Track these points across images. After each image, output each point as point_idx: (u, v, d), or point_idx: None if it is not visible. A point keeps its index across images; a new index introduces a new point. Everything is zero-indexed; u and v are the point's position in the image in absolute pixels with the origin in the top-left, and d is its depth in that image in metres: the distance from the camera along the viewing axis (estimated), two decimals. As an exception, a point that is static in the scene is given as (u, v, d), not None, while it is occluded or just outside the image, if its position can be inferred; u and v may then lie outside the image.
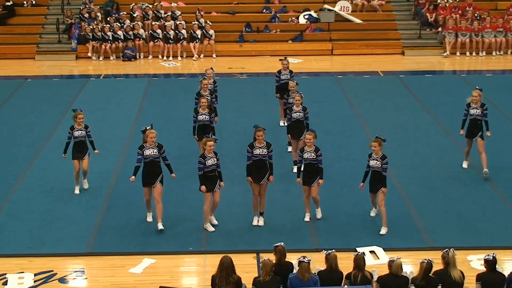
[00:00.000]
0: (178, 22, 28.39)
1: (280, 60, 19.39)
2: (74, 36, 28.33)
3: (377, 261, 12.48)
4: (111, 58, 27.83)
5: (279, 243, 10.95)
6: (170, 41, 27.98)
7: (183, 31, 28.11)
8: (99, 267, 12.47)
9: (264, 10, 30.34)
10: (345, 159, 17.01)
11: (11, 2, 29.67)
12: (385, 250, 12.81)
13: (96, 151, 15.30)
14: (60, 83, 24.99)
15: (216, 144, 13.36)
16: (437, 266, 10.48)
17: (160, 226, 13.48)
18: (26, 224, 13.95)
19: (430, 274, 10.22)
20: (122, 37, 27.89)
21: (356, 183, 14.26)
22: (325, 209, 13.92)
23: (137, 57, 27.96)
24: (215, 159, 13.21)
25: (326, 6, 29.92)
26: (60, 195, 15.25)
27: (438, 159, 17.19)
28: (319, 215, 13.94)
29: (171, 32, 28.03)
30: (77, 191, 15.19)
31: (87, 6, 29.22)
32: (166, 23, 28.19)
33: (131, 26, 28.10)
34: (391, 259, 10.35)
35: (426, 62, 27.40)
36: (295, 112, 16.10)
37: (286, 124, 17.06)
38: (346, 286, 10.22)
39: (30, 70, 26.69)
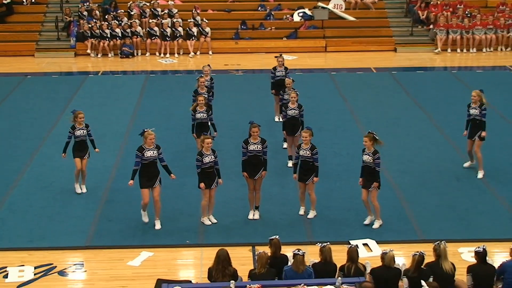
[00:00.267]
0: (175, 20, 28.36)
1: (276, 57, 19.40)
2: (73, 34, 28.27)
3: (370, 253, 12.50)
4: (109, 55, 27.79)
5: (274, 236, 10.97)
6: (167, 38, 27.95)
7: (180, 29, 28.08)
8: (98, 260, 12.47)
9: (259, 8, 30.31)
10: (338, 154, 17.02)
11: (9, 0, 29.56)
12: (378, 242, 12.82)
13: (96, 149, 15.14)
14: (59, 79, 24.95)
15: (213, 141, 13.35)
16: (429, 258, 10.51)
17: (158, 225, 13.44)
18: (26, 219, 13.94)
19: (422, 266, 10.25)
20: (120, 34, 27.85)
21: (349, 177, 14.30)
22: (319, 203, 13.91)
23: (135, 54, 27.92)
24: (212, 156, 13.19)
25: (320, 4, 29.89)
26: (59, 190, 15.22)
27: (429, 153, 17.21)
28: (311, 215, 13.84)
29: (168, 30, 28.00)
30: (78, 190, 15.00)
31: (85, 4, 29.17)
32: (163, 21, 28.17)
33: (129, 23, 28.05)
34: (384, 251, 10.36)
35: (418, 59, 27.41)
36: (290, 110, 16.09)
37: (281, 120, 17.06)
38: (339, 278, 10.23)
39: (30, 67, 26.63)
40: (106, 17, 28.53)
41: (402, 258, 11.84)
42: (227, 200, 14.45)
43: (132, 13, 28.66)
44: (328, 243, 10.79)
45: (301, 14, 29.75)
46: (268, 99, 20.02)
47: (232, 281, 9.96)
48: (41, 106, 21.31)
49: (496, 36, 28.41)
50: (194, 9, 29.06)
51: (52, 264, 12.26)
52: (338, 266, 10.63)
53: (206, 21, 28.31)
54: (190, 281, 11.42)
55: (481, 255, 10.39)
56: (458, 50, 28.22)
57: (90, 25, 27.85)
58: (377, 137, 13.17)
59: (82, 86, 23.57)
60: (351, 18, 29.69)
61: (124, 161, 16.18)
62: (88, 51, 27.82)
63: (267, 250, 10.79)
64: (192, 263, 12.55)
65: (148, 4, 29.34)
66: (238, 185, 14.66)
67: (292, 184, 14.80)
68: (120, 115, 20.34)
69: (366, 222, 13.47)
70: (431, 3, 29.80)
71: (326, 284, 10.10)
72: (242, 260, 12.08)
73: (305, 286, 9.87)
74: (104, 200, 14.73)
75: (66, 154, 15.06)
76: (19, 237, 13.23)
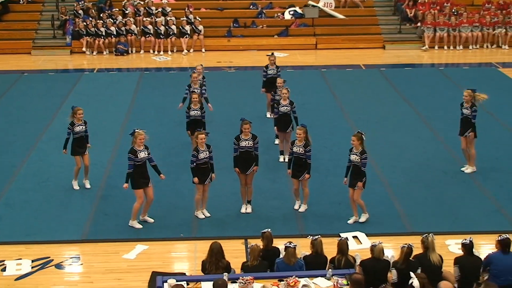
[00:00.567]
0: (168, 18, 28.31)
1: (268, 55, 19.42)
2: (68, 32, 28.19)
3: (360, 246, 12.52)
4: (104, 52, 27.70)
5: (266, 230, 10.99)
6: (161, 36, 27.90)
7: (173, 27, 28.03)
8: (94, 253, 12.46)
9: (251, 6, 30.28)
10: (329, 149, 17.02)
11: (4, -2, 29.51)
12: (367, 235, 12.85)
13: (88, 145, 15.04)
14: (56, 77, 24.86)
15: (207, 137, 13.34)
16: (417, 250, 10.53)
17: (149, 219, 13.44)
18: (24, 213, 13.91)
19: (411, 258, 10.27)
20: (114, 32, 27.78)
21: (339, 172, 14.29)
22: (311, 197, 13.90)
23: (129, 51, 27.85)
24: (207, 152, 13.19)
25: (310, 2, 29.87)
26: (56, 185, 15.19)
27: (417, 148, 17.23)
28: (302, 209, 13.84)
29: (162, 28, 27.95)
30: (76, 187, 14.89)
31: (81, 2, 29.09)
32: (157, 19, 28.11)
33: (123, 22, 27.97)
34: (373, 244, 10.37)
35: (406, 56, 27.43)
36: (282, 106, 16.08)
37: (272, 117, 17.08)
38: (330, 270, 10.25)
39: (27, 64, 26.54)
40: (101, 15, 28.47)
41: (391, 250, 11.87)
42: (220, 194, 14.44)
43: (126, 11, 28.60)
44: (319, 236, 10.81)
45: (292, 13, 29.75)
46: (260, 95, 20.00)
47: (226, 273, 9.98)
48: (38, 103, 21.25)
49: (482, 33, 28.44)
50: (187, 8, 29.03)
51: (49, 257, 12.25)
52: (329, 258, 10.65)
53: (199, 19, 28.25)
54: (184, 274, 11.41)
55: (467, 247, 10.42)
56: (445, 47, 28.25)
57: (85, 24, 27.77)
58: (364, 137, 13.09)
59: (78, 83, 23.50)
60: (340, 16, 29.69)
61: (120, 156, 16.14)
62: (84, 49, 27.73)
63: (259, 243, 10.80)
64: (186, 256, 12.56)
65: (142, 2, 29.28)
66: (231, 180, 14.65)
67: (283, 178, 14.82)
68: (115, 111, 20.30)
69: (350, 222, 13.37)
70: (419, 1, 29.81)
71: (317, 276, 10.13)
72: (235, 253, 12.08)
73: (297, 278, 9.89)
74: (100, 195, 14.70)
75: (66, 150, 14.92)
76: (17, 231, 13.20)
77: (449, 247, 12.40)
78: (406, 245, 10.26)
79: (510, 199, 14.37)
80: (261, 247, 10.69)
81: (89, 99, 21.16)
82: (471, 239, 10.46)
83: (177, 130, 17.98)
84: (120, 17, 28.27)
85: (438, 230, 12.27)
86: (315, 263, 10.56)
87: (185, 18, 28.18)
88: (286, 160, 15.13)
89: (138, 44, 27.99)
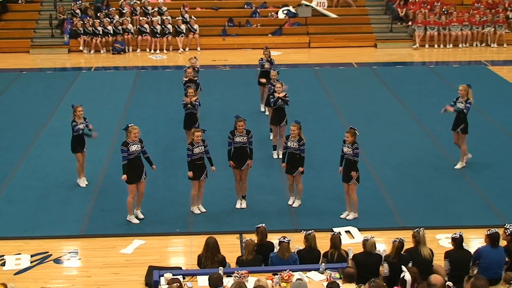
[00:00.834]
0: (164, 17, 28.26)
1: (263, 49, 19.71)
2: (66, 31, 28.13)
3: (352, 240, 12.53)
4: (102, 51, 27.65)
5: (261, 224, 10.98)
6: (157, 35, 27.85)
7: (169, 26, 27.99)
8: (92, 248, 12.44)
9: (246, 6, 30.25)
10: (322, 145, 17.02)
11: (2, -3, 29.42)
12: (359, 230, 12.85)
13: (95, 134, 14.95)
14: (54, 75, 24.79)
15: (204, 134, 13.31)
16: (408, 244, 10.53)
17: (141, 215, 13.38)
18: (23, 209, 13.88)
19: (402, 252, 10.27)
20: (111, 31, 27.72)
21: (332, 168, 14.29)
22: (304, 193, 13.90)
23: (126, 50, 27.79)
24: (202, 147, 13.16)
25: (303, 1, 29.87)
26: (54, 181, 15.15)
27: (408, 144, 17.24)
28: (296, 204, 13.83)
29: (158, 27, 27.89)
30: (82, 184, 14.80)
31: (78, 2, 29.03)
32: (153, 18, 28.05)
33: (120, 21, 27.93)
34: (365, 238, 10.38)
35: (397, 54, 27.44)
36: (277, 100, 16.04)
37: (267, 113, 17.05)
38: (323, 264, 10.26)
39: (25, 63, 26.46)
40: (98, 15, 28.40)
41: (383, 244, 11.87)
42: (216, 190, 14.42)
43: (123, 11, 28.56)
44: (313, 230, 10.81)
45: (285, 12, 29.73)
46: (254, 92, 20.00)
47: (221, 268, 9.97)
48: (36, 101, 21.19)
49: (471, 32, 28.47)
50: (182, 7, 28.99)
51: (48, 252, 12.22)
52: (322, 252, 10.65)
53: (195, 18, 28.21)
54: (181, 268, 11.40)
55: (457, 241, 10.42)
56: (436, 46, 28.26)
57: (83, 23, 27.72)
58: (357, 133, 13.10)
59: (75, 81, 23.44)
60: (333, 16, 29.70)
61: (117, 153, 15.97)
62: (81, 47, 27.67)
63: (254, 237, 10.80)
64: (183, 250, 12.54)
65: (138, 2, 29.23)
66: (226, 176, 14.62)
67: (277, 174, 14.81)
68: (112, 109, 20.25)
69: (343, 216, 13.37)
70: (410, 1, 29.84)
71: (310, 270, 10.13)
72: (230, 247, 12.07)
73: (291, 272, 9.90)
74: (98, 191, 14.67)
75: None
76: (16, 226, 13.17)
77: (440, 241, 12.42)
78: (398, 240, 10.25)
79: (499, 195, 14.39)
80: (256, 241, 10.68)
81: (86, 97, 21.06)
82: (461, 234, 10.47)
83: (173, 126, 17.95)
84: (117, 17, 28.23)
85: (428, 225, 12.31)
86: (308, 257, 10.56)
87: (180, 18, 28.12)
88: (280, 156, 15.13)
89: (134, 43, 27.93)
